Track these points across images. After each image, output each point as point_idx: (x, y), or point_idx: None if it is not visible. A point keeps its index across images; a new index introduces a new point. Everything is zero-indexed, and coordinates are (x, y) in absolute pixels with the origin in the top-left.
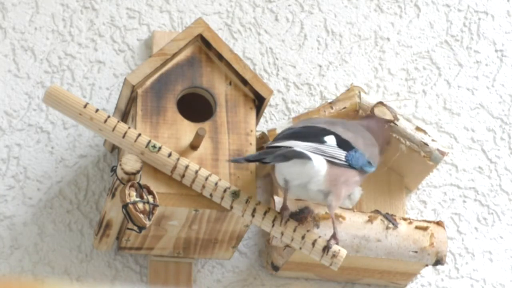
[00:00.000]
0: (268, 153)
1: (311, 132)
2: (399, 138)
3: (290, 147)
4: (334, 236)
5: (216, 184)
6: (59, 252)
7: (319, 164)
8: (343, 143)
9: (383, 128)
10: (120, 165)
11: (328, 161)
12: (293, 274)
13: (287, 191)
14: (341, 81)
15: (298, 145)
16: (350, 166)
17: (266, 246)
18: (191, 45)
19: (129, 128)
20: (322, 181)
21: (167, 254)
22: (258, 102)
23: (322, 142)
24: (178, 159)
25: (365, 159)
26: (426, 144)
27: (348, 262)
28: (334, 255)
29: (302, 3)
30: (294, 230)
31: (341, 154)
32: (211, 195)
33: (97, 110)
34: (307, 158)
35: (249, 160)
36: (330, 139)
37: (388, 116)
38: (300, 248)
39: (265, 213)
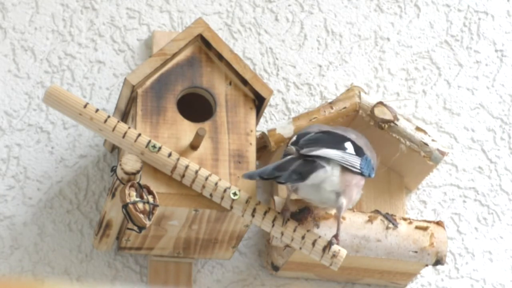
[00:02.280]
0: (282, 168)
1: (334, 139)
2: (399, 138)
3: (311, 159)
4: (336, 237)
5: (216, 184)
6: (59, 252)
7: (333, 168)
8: (358, 150)
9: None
10: (120, 165)
11: (342, 167)
12: (293, 274)
13: (292, 191)
14: (341, 81)
15: (329, 153)
16: (361, 173)
17: (266, 246)
18: (191, 45)
19: (129, 128)
20: (337, 182)
21: (167, 254)
22: (258, 102)
23: (344, 149)
24: (178, 159)
25: (372, 165)
26: (426, 144)
27: (348, 262)
28: (334, 255)
29: (302, 3)
30: (294, 230)
31: (357, 161)
32: (211, 195)
33: (97, 110)
34: (321, 167)
35: (263, 177)
36: (349, 146)
37: (388, 116)
38: (300, 248)
39: (265, 213)
